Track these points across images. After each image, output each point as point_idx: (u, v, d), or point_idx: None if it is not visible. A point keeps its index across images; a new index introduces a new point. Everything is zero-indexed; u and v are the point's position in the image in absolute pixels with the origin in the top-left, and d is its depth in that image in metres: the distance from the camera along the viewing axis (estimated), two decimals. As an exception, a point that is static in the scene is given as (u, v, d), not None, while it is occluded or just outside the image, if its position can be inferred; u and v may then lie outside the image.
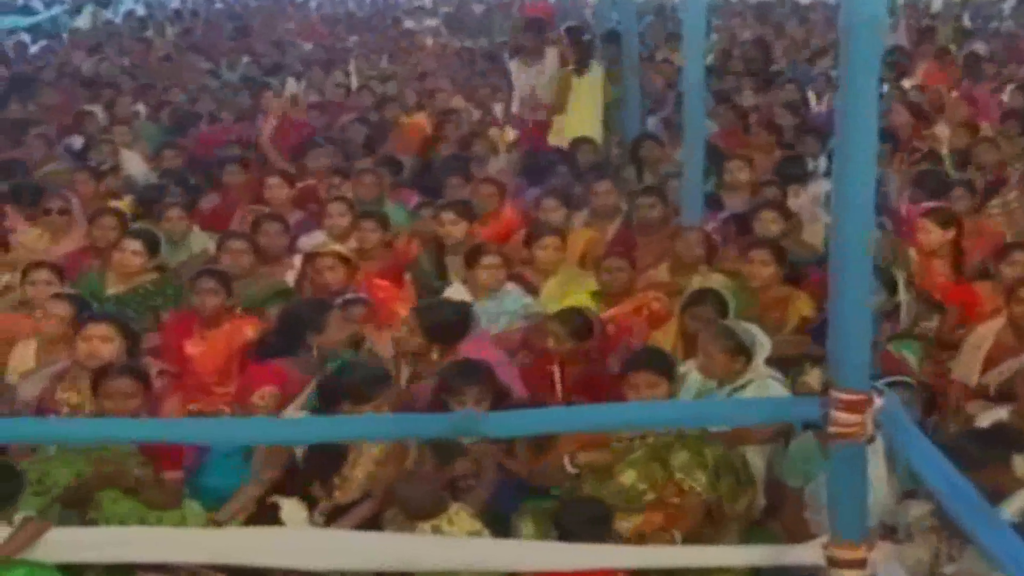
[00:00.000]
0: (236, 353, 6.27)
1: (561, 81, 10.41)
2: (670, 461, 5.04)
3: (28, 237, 8.02)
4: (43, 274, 6.69)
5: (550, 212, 7.91)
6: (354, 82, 14.50)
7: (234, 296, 6.54)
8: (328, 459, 5.19)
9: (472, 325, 6.07)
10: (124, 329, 5.86)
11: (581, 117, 10.21)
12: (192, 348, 6.32)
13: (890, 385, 4.80)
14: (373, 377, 5.28)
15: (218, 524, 5.06)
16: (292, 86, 14.19)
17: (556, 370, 5.96)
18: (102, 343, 5.72)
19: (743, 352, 5.52)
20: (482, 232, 7.81)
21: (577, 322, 5.99)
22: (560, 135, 10.25)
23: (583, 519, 4.79)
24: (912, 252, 7.15)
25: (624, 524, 4.98)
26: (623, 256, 6.98)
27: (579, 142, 9.79)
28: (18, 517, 4.69)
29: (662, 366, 5.26)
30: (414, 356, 5.99)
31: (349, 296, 6.55)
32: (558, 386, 5.94)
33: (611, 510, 4.91)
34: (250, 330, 6.37)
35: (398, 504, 4.89)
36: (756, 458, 5.41)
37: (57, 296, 6.32)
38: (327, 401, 5.26)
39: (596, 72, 10.35)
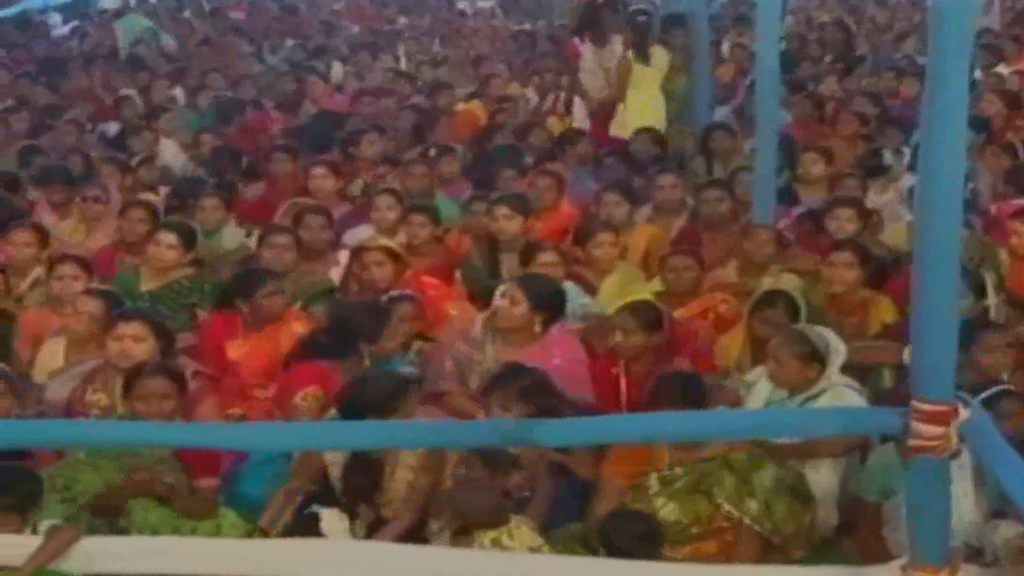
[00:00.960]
0: (283, 355, 6.30)
1: (621, 69, 10.40)
2: (714, 491, 5.03)
3: (60, 229, 8.12)
4: (69, 268, 6.77)
5: (612, 207, 7.89)
6: (404, 66, 14.55)
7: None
8: (367, 469, 5.22)
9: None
10: (158, 328, 5.93)
11: (642, 107, 10.18)
12: (236, 351, 6.36)
13: (992, 396, 4.77)
14: (393, 388, 5.31)
15: (265, 533, 5.10)
16: (338, 71, 14.27)
17: (621, 373, 5.96)
18: (134, 342, 5.79)
19: (817, 359, 5.49)
20: (539, 227, 7.81)
21: (648, 314, 5.99)
22: (622, 126, 10.24)
23: (631, 535, 4.78)
24: (1002, 253, 7.07)
25: (673, 556, 4.97)
26: (689, 255, 6.97)
27: (641, 133, 9.77)
28: (44, 525, 4.76)
29: (693, 394, 5.20)
30: (503, 338, 6.02)
31: (395, 293, 6.57)
32: (623, 390, 5.94)
33: (660, 525, 4.90)
34: (300, 329, 6.41)
35: (456, 511, 4.89)
36: (829, 472, 5.39)
37: (88, 292, 6.40)
38: (348, 417, 5.27)
39: (661, 59, 10.31)
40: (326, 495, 5.28)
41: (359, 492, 5.23)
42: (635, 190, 8.36)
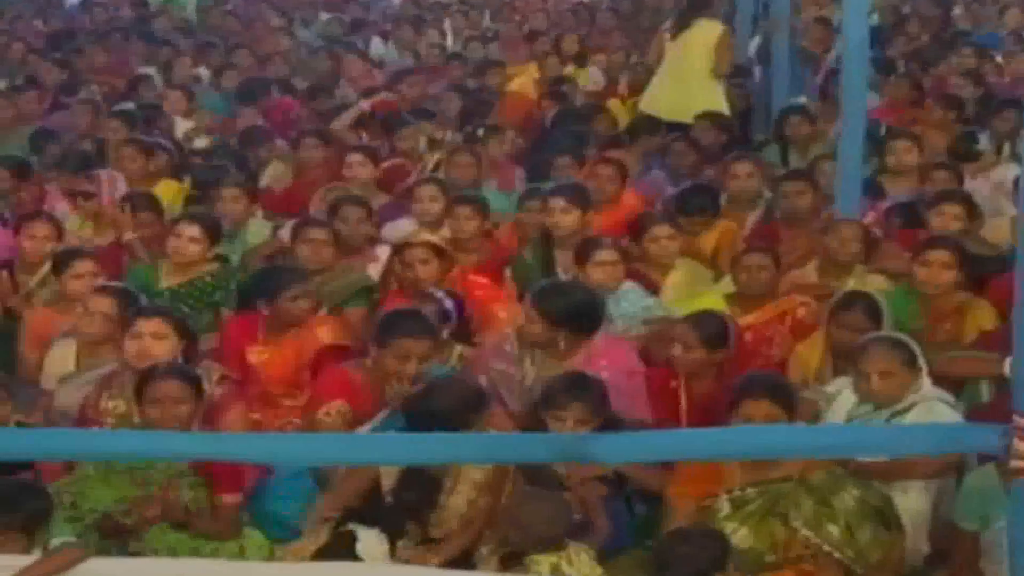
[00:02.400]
0: (308, 361, 6.35)
1: (656, 43, 10.37)
2: (791, 515, 5.00)
3: (73, 221, 8.20)
4: (87, 265, 6.83)
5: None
6: (450, 43, 14.58)
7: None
8: (424, 483, 5.23)
9: (605, 315, 6.09)
10: (180, 325, 5.97)
11: (685, 86, 10.12)
12: (255, 356, 6.41)
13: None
14: (469, 401, 5.33)
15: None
16: (378, 47, 14.32)
17: (681, 386, 5.96)
18: (155, 341, 5.83)
19: (906, 369, 5.45)
20: (598, 222, 7.82)
21: (712, 327, 5.96)
22: (654, 107, 10.18)
23: (701, 557, 4.76)
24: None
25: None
26: (764, 252, 6.93)
27: (708, 117, 9.74)
28: (56, 543, 4.80)
29: (781, 395, 5.18)
30: (541, 351, 6.01)
31: (441, 292, 6.58)
32: (683, 405, 5.94)
33: (728, 544, 4.89)
34: (325, 333, 6.45)
35: (519, 529, 4.90)
36: (920, 496, 5.36)
37: (100, 290, 6.43)
38: (415, 429, 5.27)
39: (710, 31, 10.24)
40: (369, 511, 5.28)
41: (412, 508, 5.24)
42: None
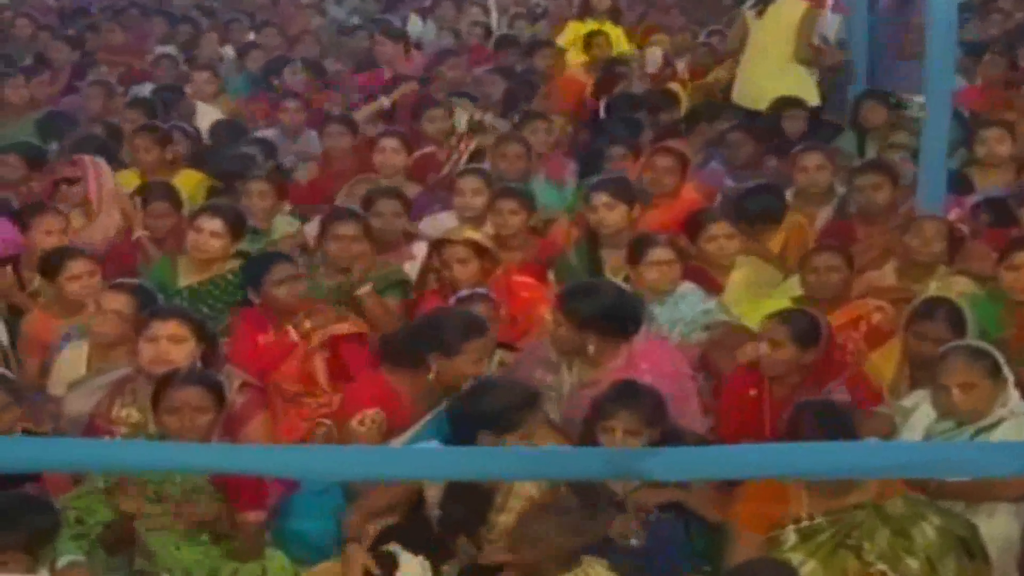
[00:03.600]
0: (317, 352, 6.39)
1: (738, 25, 10.34)
2: (865, 547, 4.98)
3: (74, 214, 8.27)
4: (83, 264, 6.84)
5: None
6: (494, 21, 14.59)
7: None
8: (473, 497, 5.24)
9: (644, 316, 6.10)
10: (199, 328, 6.02)
11: (764, 70, 10.10)
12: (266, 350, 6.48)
13: None
14: (519, 399, 5.37)
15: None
16: (416, 26, 14.35)
17: (764, 395, 5.96)
18: (172, 344, 5.88)
19: (990, 381, 5.43)
20: (657, 218, 7.81)
21: (804, 324, 5.96)
22: (742, 91, 10.16)
23: None
24: None
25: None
26: (836, 252, 6.92)
27: (784, 104, 9.72)
28: (64, 562, 4.84)
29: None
30: (578, 358, 6.03)
31: (465, 293, 6.62)
32: (765, 416, 5.92)
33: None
34: (331, 315, 6.51)
35: (529, 549, 4.93)
36: (1009, 522, 5.34)
37: (115, 287, 6.48)
38: (460, 430, 5.34)
39: (794, 7, 10.21)
40: (410, 528, 5.30)
41: (460, 524, 5.25)
42: (769, 172, 8.31)
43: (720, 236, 7.25)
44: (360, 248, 7.19)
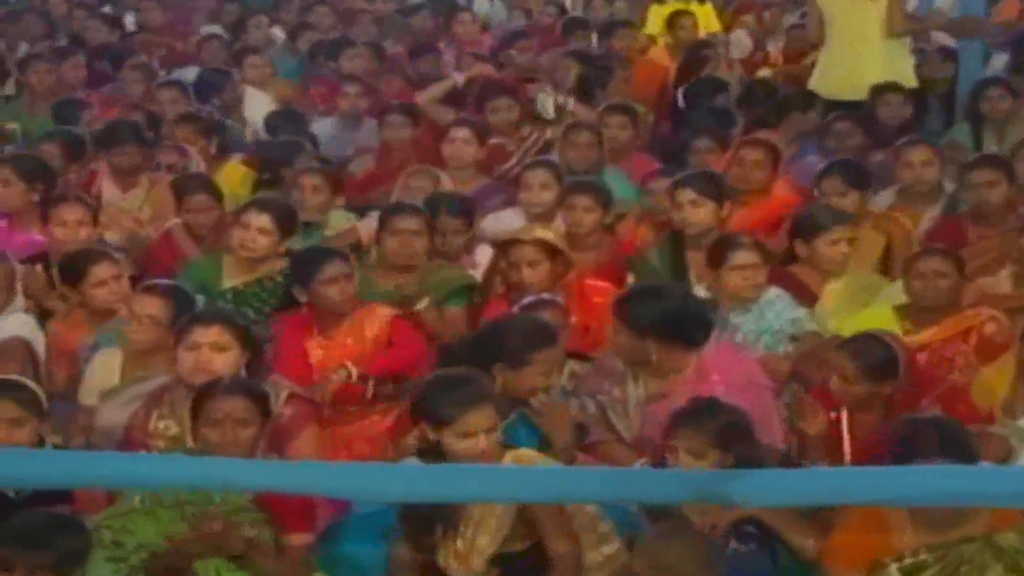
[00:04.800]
0: (369, 353, 6.43)
1: (811, 6, 10.25)
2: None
3: (126, 205, 8.30)
4: (108, 268, 6.84)
5: (839, 191, 7.81)
6: (568, 1, 14.58)
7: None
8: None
9: (714, 323, 6.08)
10: (243, 335, 6.03)
11: (851, 52, 10.00)
12: (313, 355, 6.52)
13: None
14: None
15: None
16: (483, 5, 14.37)
17: (843, 416, 5.90)
18: (214, 353, 5.90)
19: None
20: (746, 216, 7.78)
21: (875, 356, 5.91)
22: (825, 79, 10.07)
23: None
24: None
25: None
26: (944, 256, 6.86)
27: (883, 91, 9.64)
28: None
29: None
30: (642, 370, 6.01)
31: (531, 299, 6.60)
32: (845, 440, 5.88)
33: None
34: (386, 311, 6.55)
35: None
36: None
37: (150, 289, 6.48)
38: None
39: None
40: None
41: (425, 525, 5.26)
42: (864, 169, 8.22)
43: (836, 239, 7.18)
44: (421, 245, 7.20)
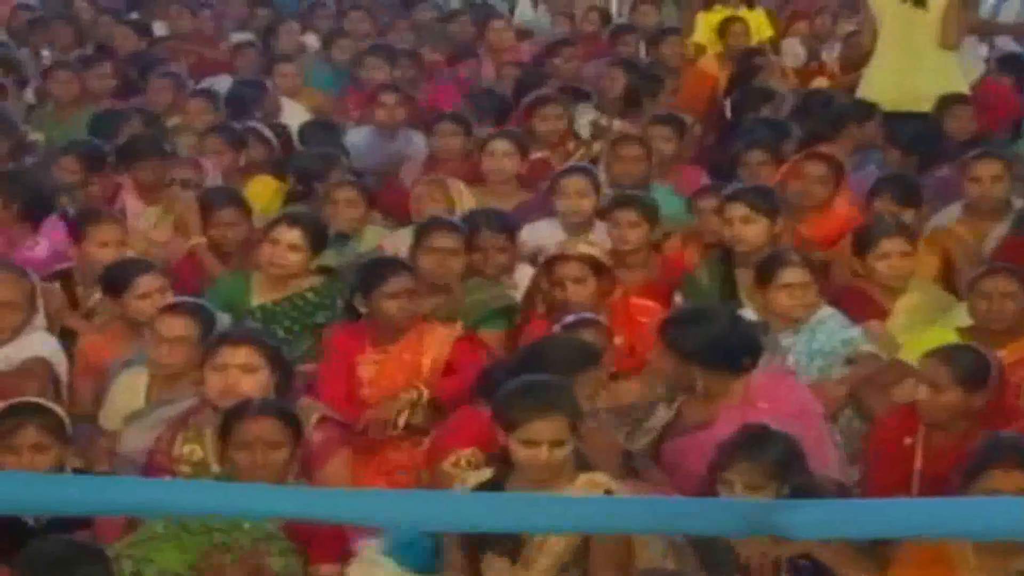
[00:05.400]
0: (426, 374, 6.43)
1: (865, 8, 10.19)
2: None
3: (145, 222, 8.33)
4: (154, 280, 6.88)
5: (890, 209, 7.75)
6: (615, 5, 14.57)
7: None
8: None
9: (762, 347, 6.04)
10: (274, 355, 6.04)
11: (914, 64, 9.93)
12: (364, 371, 6.53)
13: None
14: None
15: None
16: (526, 9, 14.36)
17: (918, 445, 5.87)
18: (243, 375, 5.91)
19: None
20: (803, 232, 7.74)
21: (970, 363, 5.88)
22: (874, 89, 10.01)
23: None
24: None
25: None
26: (1012, 275, 6.80)
27: (950, 102, 9.58)
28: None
29: None
30: (683, 393, 5.99)
31: (573, 318, 6.55)
32: (917, 469, 5.85)
33: None
34: (449, 332, 6.54)
35: None
36: None
37: (171, 310, 6.47)
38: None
39: None
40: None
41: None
42: (916, 186, 8.17)
43: (895, 254, 7.13)
44: (457, 265, 7.19)
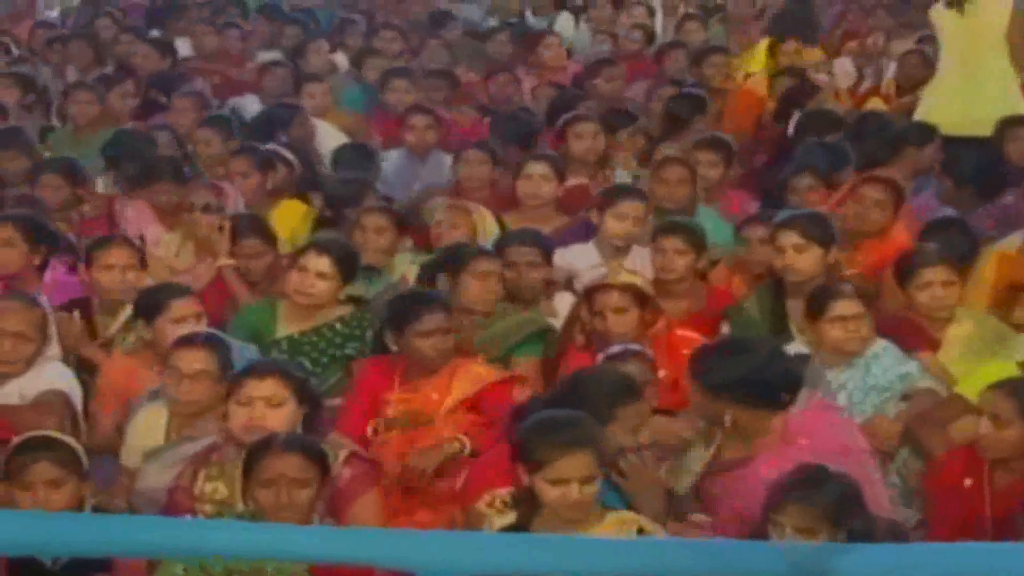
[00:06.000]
0: (458, 395, 6.43)
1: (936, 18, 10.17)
2: None
3: (165, 248, 8.36)
4: (189, 305, 6.89)
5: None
6: (659, 24, 14.55)
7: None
8: None
9: (801, 382, 6.00)
10: (301, 389, 6.03)
11: (975, 85, 9.89)
12: (391, 409, 6.52)
13: None
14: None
15: None
16: (566, 26, 14.36)
17: (985, 485, 5.85)
18: (269, 409, 5.90)
19: None
20: (859, 260, 7.72)
21: None
22: (933, 110, 9.97)
23: None
24: None
25: None
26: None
27: (1011, 125, 9.54)
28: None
29: None
30: (721, 432, 5.96)
31: (615, 349, 6.56)
32: (985, 510, 5.81)
33: None
34: (482, 372, 6.52)
35: None
36: None
37: (187, 343, 6.43)
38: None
39: (999, 2, 9.99)
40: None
41: None
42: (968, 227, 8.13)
43: (937, 283, 7.10)
44: (496, 289, 7.24)
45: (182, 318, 6.84)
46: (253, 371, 6.08)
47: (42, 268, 7.76)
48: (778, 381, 5.92)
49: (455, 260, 7.31)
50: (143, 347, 7.01)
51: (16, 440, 5.70)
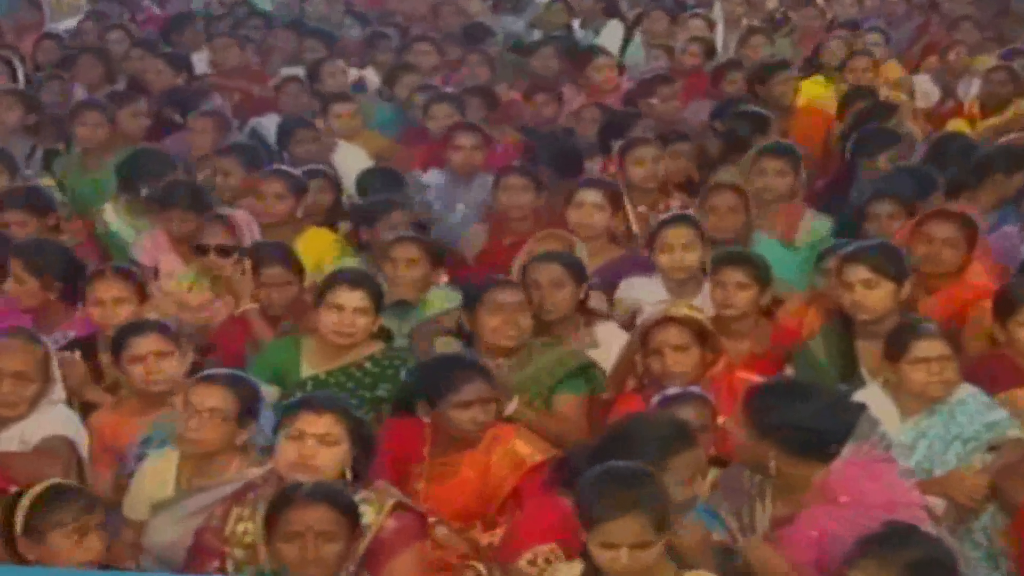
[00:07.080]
0: (498, 492, 6.40)
1: None
2: None
3: (177, 283, 8.40)
4: (149, 342, 6.79)
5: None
6: (719, 35, 14.52)
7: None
8: None
9: (851, 431, 5.94)
10: (357, 431, 6.01)
11: None
12: (417, 483, 6.50)
13: None
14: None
15: None
16: (614, 34, 14.34)
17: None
18: (321, 447, 5.88)
19: None
20: (932, 306, 7.67)
21: None
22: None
23: None
24: None
25: None
26: None
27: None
28: None
29: None
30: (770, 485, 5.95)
31: (673, 391, 6.53)
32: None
33: None
34: (524, 451, 6.47)
35: None
36: None
37: (207, 380, 6.41)
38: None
39: None
40: None
41: None
42: None
43: None
44: (527, 324, 7.22)
45: (138, 356, 6.79)
46: (308, 405, 6.07)
47: (70, 300, 7.77)
48: (828, 432, 5.89)
49: (471, 296, 7.26)
50: (125, 397, 6.98)
51: (36, 489, 5.66)
